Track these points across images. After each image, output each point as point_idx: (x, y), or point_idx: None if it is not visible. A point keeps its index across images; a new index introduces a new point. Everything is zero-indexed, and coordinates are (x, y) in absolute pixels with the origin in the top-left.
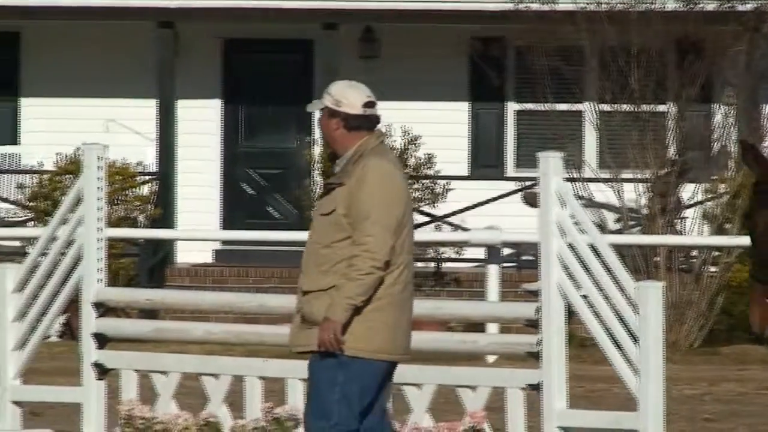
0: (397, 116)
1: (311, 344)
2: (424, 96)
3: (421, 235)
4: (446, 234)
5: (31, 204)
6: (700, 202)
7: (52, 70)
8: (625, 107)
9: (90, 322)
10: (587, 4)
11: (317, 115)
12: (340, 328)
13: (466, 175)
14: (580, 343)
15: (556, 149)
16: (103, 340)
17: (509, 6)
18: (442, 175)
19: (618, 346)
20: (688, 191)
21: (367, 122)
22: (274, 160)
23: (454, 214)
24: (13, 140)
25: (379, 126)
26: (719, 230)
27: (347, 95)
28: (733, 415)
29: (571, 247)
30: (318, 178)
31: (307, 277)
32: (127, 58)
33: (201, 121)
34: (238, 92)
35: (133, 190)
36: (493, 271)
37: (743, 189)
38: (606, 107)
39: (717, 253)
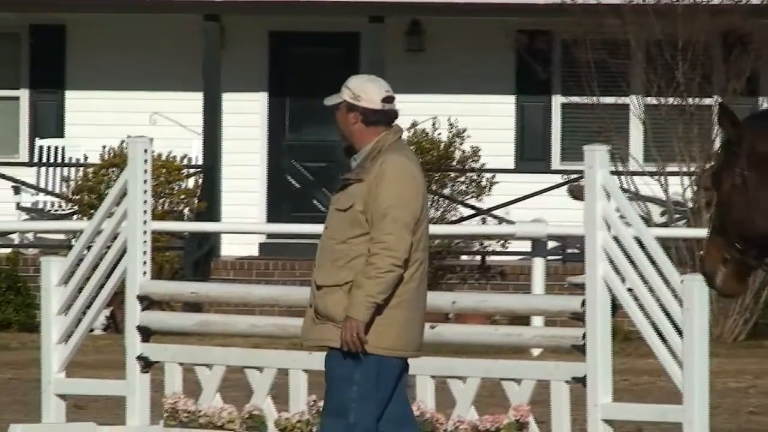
0: (443, 109)
1: (325, 338)
2: (470, 89)
3: (466, 228)
4: (492, 227)
5: (76, 197)
6: None
7: (97, 63)
8: (671, 100)
9: (134, 315)
10: None
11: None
12: (363, 327)
13: (512, 168)
14: (625, 337)
15: (601, 142)
16: (147, 334)
17: (556, 0)
18: (487, 168)
19: (663, 339)
20: None
21: (386, 117)
22: (319, 153)
23: (499, 207)
24: (59, 133)
25: (396, 121)
26: None
27: (366, 89)
28: None
29: (616, 240)
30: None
31: (321, 272)
32: (173, 51)
33: (247, 114)
34: (284, 85)
35: (179, 183)
36: (538, 264)
37: None
38: (652, 100)
39: None
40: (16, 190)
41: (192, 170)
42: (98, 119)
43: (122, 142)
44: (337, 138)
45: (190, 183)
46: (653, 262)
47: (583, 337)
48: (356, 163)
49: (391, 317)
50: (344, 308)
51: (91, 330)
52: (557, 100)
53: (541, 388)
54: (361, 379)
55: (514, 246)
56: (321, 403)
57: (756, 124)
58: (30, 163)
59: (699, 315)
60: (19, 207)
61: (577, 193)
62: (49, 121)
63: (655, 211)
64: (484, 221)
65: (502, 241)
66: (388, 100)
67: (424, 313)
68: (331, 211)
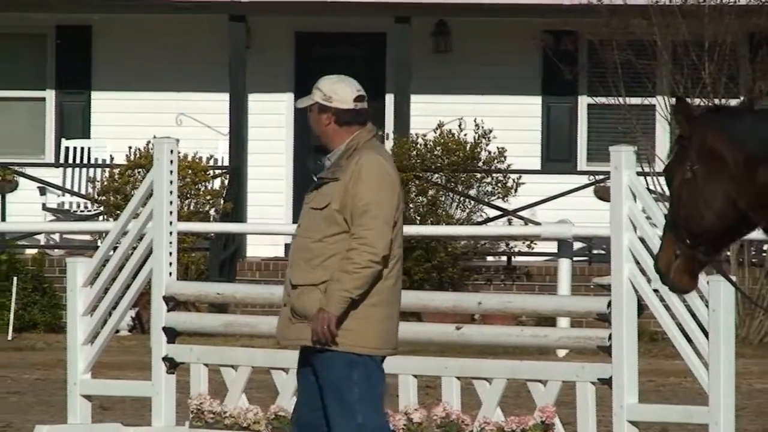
0: (469, 110)
1: (302, 338)
2: (496, 90)
3: (492, 229)
4: (517, 228)
5: (101, 198)
6: None
7: (123, 64)
8: (698, 101)
9: (160, 316)
10: None
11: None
12: (335, 320)
13: (538, 169)
14: (650, 337)
15: (627, 143)
16: (173, 334)
17: (582, 0)
18: (513, 169)
19: (689, 340)
20: None
21: (359, 117)
22: None
23: (525, 208)
24: (85, 134)
25: (369, 121)
26: None
27: (337, 90)
28: None
29: (642, 240)
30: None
31: (296, 271)
32: (199, 51)
33: (272, 115)
34: (310, 86)
35: (205, 184)
36: (564, 265)
37: None
38: None
39: None
40: (42, 191)
41: (218, 171)
42: (124, 120)
43: (148, 142)
44: None
45: (216, 184)
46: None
47: (609, 338)
48: (330, 163)
49: (372, 315)
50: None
51: (117, 331)
52: (583, 101)
53: (566, 389)
54: (360, 379)
55: (540, 247)
56: None
57: (707, 118)
58: (56, 164)
59: (725, 316)
60: (45, 208)
61: (603, 194)
62: (75, 122)
63: None
64: (510, 222)
65: (528, 242)
66: (360, 99)
67: (399, 310)
68: (306, 210)
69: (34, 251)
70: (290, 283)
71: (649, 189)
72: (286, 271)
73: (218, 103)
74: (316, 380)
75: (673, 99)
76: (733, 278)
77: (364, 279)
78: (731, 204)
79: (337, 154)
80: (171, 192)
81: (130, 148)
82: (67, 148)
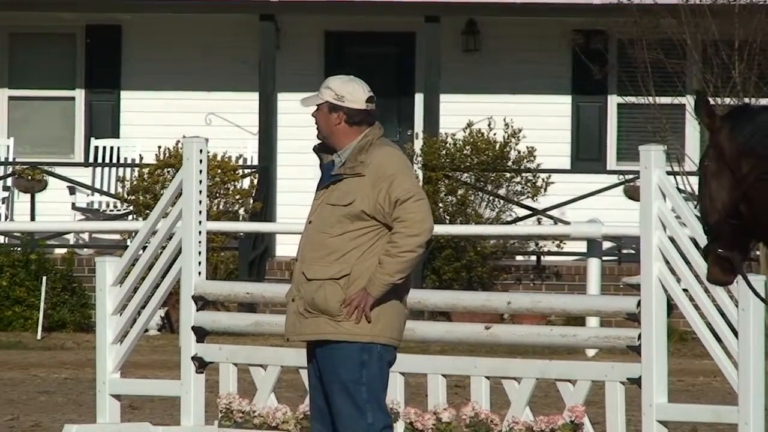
0: (499, 109)
1: (321, 332)
2: (525, 89)
3: (521, 228)
4: (547, 227)
5: (131, 197)
6: None
7: (152, 64)
8: (728, 100)
9: (189, 315)
10: None
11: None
12: (371, 303)
13: (568, 168)
14: (680, 337)
15: (657, 142)
16: (202, 334)
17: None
18: (543, 168)
19: (718, 339)
20: None
21: (369, 117)
22: None
23: (554, 207)
24: (114, 133)
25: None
26: None
27: (350, 90)
28: None
29: (672, 240)
30: (419, 171)
31: (313, 266)
32: (229, 51)
33: (302, 114)
34: None
35: (234, 183)
36: (593, 265)
37: None
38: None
39: None
40: (72, 191)
41: (247, 170)
42: (153, 119)
43: (177, 142)
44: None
45: (245, 183)
46: None
47: (639, 337)
48: (340, 159)
49: (393, 305)
50: (339, 301)
51: (146, 330)
52: (613, 100)
53: (596, 388)
54: (368, 379)
55: (569, 246)
56: None
57: (726, 116)
58: (85, 164)
59: (755, 315)
60: (74, 207)
61: (632, 194)
62: (104, 122)
63: None
64: (539, 221)
65: (557, 242)
66: (371, 100)
67: (406, 304)
68: (320, 206)
69: (64, 251)
70: (305, 277)
71: (678, 188)
72: (295, 266)
73: (248, 102)
74: (319, 377)
75: (728, 98)
76: (763, 277)
77: (408, 263)
78: (730, 200)
79: (347, 151)
80: (200, 191)
81: (159, 147)
82: (96, 148)
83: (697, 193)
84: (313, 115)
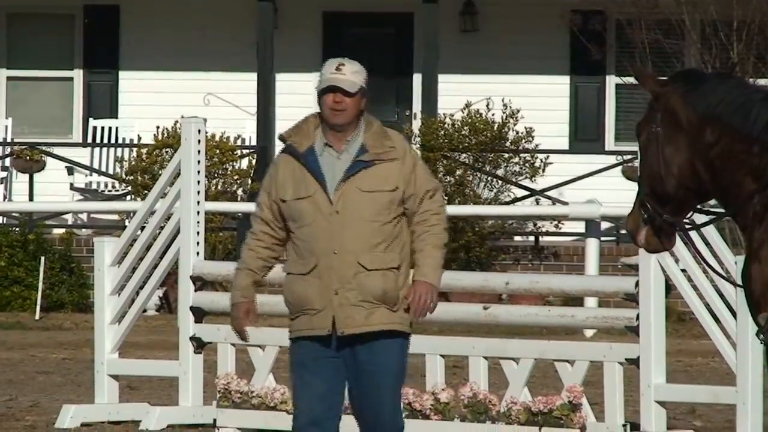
0: (497, 90)
1: (391, 322)
2: (524, 69)
3: (520, 208)
4: (545, 208)
5: (129, 177)
6: None
7: (151, 44)
8: None
9: (187, 295)
10: None
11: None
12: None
13: (566, 148)
14: (678, 318)
15: None
16: (200, 314)
17: None
18: (541, 149)
19: (717, 320)
20: None
21: None
22: None
23: (553, 188)
24: (112, 114)
25: None
26: None
27: (366, 77)
28: None
29: None
30: (417, 152)
31: (366, 255)
32: (228, 31)
33: (300, 95)
34: None
35: (232, 163)
36: (592, 245)
37: None
38: None
39: None
40: (70, 171)
41: (245, 151)
42: (152, 100)
43: (176, 122)
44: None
45: (244, 163)
46: (707, 243)
47: (637, 318)
48: (355, 143)
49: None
50: (398, 290)
51: (144, 310)
52: (611, 81)
53: (594, 369)
54: (404, 369)
55: (567, 227)
56: None
57: (671, 81)
58: (84, 144)
59: None
60: (72, 187)
61: (630, 174)
62: (102, 102)
63: None
64: (537, 202)
65: (555, 222)
66: None
67: None
68: (348, 193)
69: (62, 231)
70: (364, 268)
71: None
72: (331, 258)
73: (246, 83)
74: (347, 368)
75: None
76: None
77: (444, 254)
78: (689, 166)
79: (359, 134)
80: (198, 172)
81: (157, 127)
82: (94, 128)
83: (639, 161)
84: (337, 101)
